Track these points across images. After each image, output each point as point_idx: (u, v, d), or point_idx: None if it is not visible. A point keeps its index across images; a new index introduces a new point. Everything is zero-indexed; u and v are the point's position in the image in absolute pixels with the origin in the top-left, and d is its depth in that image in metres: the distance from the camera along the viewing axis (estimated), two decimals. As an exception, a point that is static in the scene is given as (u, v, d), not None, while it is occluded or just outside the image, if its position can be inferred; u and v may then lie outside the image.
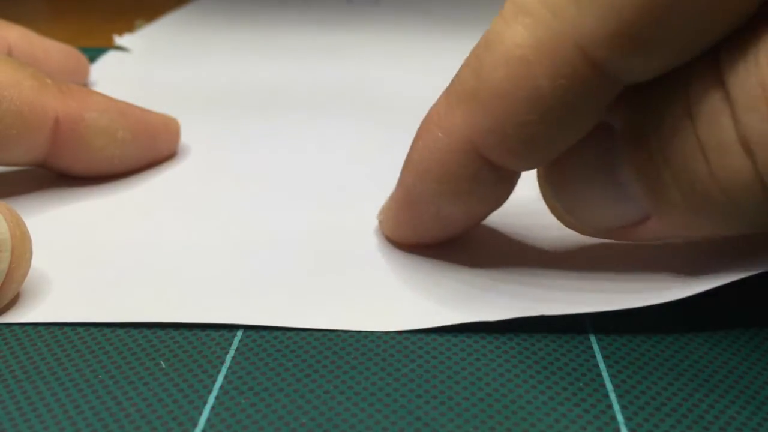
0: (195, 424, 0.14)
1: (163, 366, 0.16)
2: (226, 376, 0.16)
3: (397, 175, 0.24)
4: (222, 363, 0.16)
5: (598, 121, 0.16)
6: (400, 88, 0.33)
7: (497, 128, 0.15)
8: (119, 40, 0.40)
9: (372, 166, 0.25)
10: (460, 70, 0.16)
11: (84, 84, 0.32)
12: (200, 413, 0.15)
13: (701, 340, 0.17)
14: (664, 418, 0.15)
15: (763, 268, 0.16)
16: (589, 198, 0.17)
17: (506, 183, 0.17)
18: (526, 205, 0.21)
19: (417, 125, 0.29)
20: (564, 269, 0.19)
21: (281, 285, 0.18)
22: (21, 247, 0.17)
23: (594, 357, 0.16)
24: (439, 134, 0.16)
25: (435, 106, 0.17)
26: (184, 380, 0.16)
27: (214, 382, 0.16)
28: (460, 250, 0.20)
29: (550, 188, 0.17)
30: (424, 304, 0.18)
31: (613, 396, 0.15)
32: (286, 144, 0.27)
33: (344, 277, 0.19)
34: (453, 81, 0.16)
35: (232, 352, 0.16)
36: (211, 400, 0.15)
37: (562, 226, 0.18)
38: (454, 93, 0.16)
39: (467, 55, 0.16)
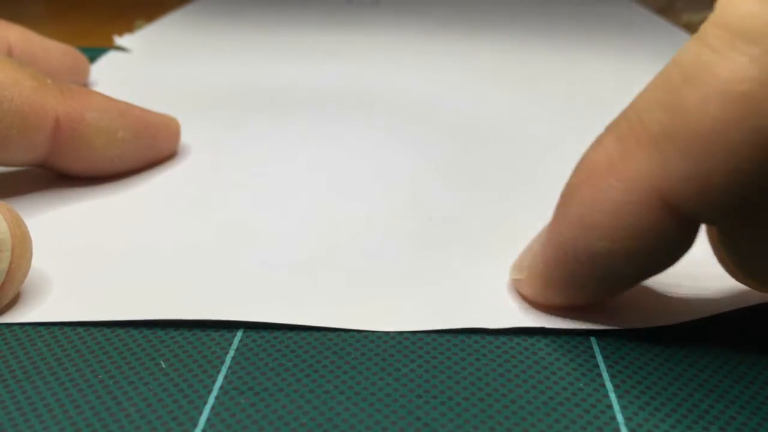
0: (195, 424, 0.14)
1: (163, 366, 0.16)
2: (226, 376, 0.16)
3: (397, 174, 0.25)
4: (222, 363, 0.16)
5: None
6: (400, 88, 0.33)
7: (700, 176, 0.13)
8: (119, 40, 0.40)
9: (372, 165, 0.25)
10: (637, 105, 0.14)
11: (84, 84, 0.32)
12: (200, 413, 0.15)
13: (701, 340, 0.17)
14: (664, 418, 0.15)
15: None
16: None
17: (690, 237, 0.15)
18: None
19: (417, 125, 0.28)
20: None
21: (281, 284, 0.18)
22: (21, 247, 0.17)
23: (594, 357, 0.16)
24: (614, 182, 0.14)
25: (600, 148, 0.15)
26: (184, 380, 0.16)
27: (214, 382, 0.16)
28: (463, 254, 0.20)
29: (728, 241, 0.15)
30: (424, 305, 0.18)
31: (613, 396, 0.15)
32: (286, 143, 0.27)
33: (344, 276, 0.19)
34: (627, 118, 0.14)
35: (232, 352, 0.16)
36: (211, 400, 0.15)
37: None
38: (631, 134, 0.14)
39: (647, 90, 0.14)
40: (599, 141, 0.15)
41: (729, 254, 0.16)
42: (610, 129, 0.15)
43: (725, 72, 0.13)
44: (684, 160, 0.13)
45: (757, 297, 0.17)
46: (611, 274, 0.15)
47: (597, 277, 0.15)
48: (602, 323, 0.17)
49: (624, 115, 0.15)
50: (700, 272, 0.18)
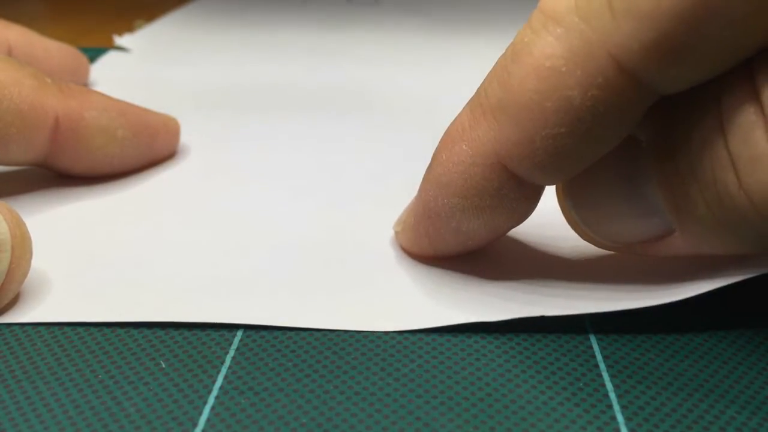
0: (195, 424, 0.14)
1: (163, 366, 0.16)
2: (226, 376, 0.16)
3: (397, 174, 0.24)
4: (222, 363, 0.16)
5: (627, 134, 0.15)
6: (400, 87, 0.33)
7: (525, 141, 0.15)
8: (119, 40, 0.40)
9: (372, 165, 0.25)
10: (484, 81, 0.16)
11: (84, 84, 0.32)
12: (200, 413, 0.15)
13: (701, 340, 0.17)
14: (664, 418, 0.15)
15: (763, 270, 0.16)
16: (612, 212, 0.17)
17: (530, 198, 0.17)
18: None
19: (417, 125, 0.29)
20: (564, 271, 0.19)
21: (281, 285, 0.18)
22: (21, 247, 0.17)
23: (594, 357, 0.16)
24: (464, 147, 0.16)
25: (458, 118, 0.17)
26: (184, 380, 0.16)
27: (214, 382, 0.16)
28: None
29: (569, 201, 0.17)
30: (424, 304, 0.18)
31: (613, 396, 0.15)
32: (286, 144, 0.27)
33: (344, 277, 0.19)
34: (477, 93, 0.16)
35: (232, 352, 0.16)
36: (211, 400, 0.15)
37: (560, 232, 0.18)
38: (479, 105, 0.16)
39: (492, 67, 0.16)
40: (459, 113, 0.17)
41: (569, 212, 0.17)
42: (468, 102, 0.17)
43: (537, 50, 0.14)
44: (514, 127, 0.15)
45: (754, 267, 0.17)
46: (465, 227, 0.17)
47: (454, 229, 0.17)
48: (600, 306, 0.17)
49: (477, 89, 0.16)
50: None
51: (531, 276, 0.19)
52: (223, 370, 0.16)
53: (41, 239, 0.20)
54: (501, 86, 0.15)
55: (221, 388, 0.15)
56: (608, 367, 0.16)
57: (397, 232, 0.20)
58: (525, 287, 0.18)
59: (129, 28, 0.44)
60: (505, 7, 0.50)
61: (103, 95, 0.23)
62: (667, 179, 0.15)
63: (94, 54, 0.37)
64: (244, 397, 0.15)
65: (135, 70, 0.36)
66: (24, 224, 0.17)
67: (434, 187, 0.17)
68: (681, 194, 0.15)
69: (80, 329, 0.17)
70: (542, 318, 0.17)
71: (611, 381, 0.16)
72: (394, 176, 0.24)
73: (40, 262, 0.19)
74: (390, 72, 0.35)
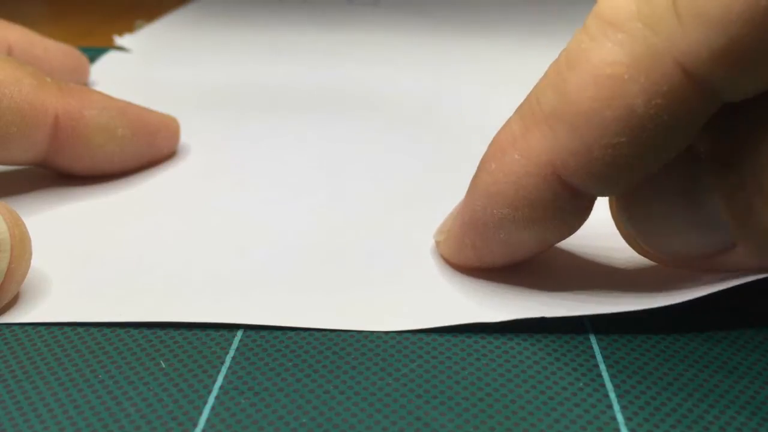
0: (195, 424, 0.14)
1: (163, 366, 0.16)
2: (226, 376, 0.16)
3: (397, 174, 0.24)
4: (222, 363, 0.16)
5: (689, 143, 0.15)
6: (400, 88, 0.33)
7: (582, 150, 0.15)
8: (119, 40, 0.40)
9: (372, 165, 0.25)
10: (536, 88, 0.16)
11: (84, 84, 0.32)
12: (200, 413, 0.15)
13: (701, 340, 0.17)
14: (664, 418, 0.15)
15: (765, 274, 0.16)
16: (670, 225, 0.16)
17: (584, 210, 0.16)
18: None
19: (417, 126, 0.29)
20: (565, 273, 0.19)
21: (281, 285, 0.18)
22: (20, 247, 0.17)
23: (594, 357, 0.16)
24: (516, 156, 0.16)
25: (507, 126, 0.16)
26: (184, 380, 0.16)
27: (214, 382, 0.16)
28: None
29: (624, 214, 0.17)
30: (424, 304, 0.18)
31: (613, 396, 0.15)
32: (286, 144, 0.27)
33: (344, 277, 0.19)
34: (528, 100, 0.16)
35: (232, 352, 0.16)
36: (211, 400, 0.15)
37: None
38: (531, 113, 0.15)
39: (545, 73, 0.16)
40: (508, 120, 0.16)
41: (625, 226, 0.17)
42: (517, 110, 0.16)
43: (596, 57, 0.14)
44: (570, 136, 0.15)
45: (747, 273, 0.17)
46: (514, 239, 0.17)
47: (502, 240, 0.17)
48: (601, 308, 0.17)
49: (527, 97, 0.16)
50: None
51: (531, 277, 0.19)
52: (223, 370, 0.16)
53: (41, 239, 0.20)
54: (556, 94, 0.15)
55: (221, 388, 0.15)
56: (608, 367, 0.16)
57: (438, 242, 0.19)
58: (525, 288, 0.18)
59: (129, 28, 0.44)
60: (505, 7, 0.50)
61: (102, 94, 0.23)
62: (729, 191, 0.15)
63: (94, 54, 0.37)
64: (244, 397, 0.15)
65: (135, 70, 0.36)
66: (23, 224, 0.17)
67: (483, 197, 0.17)
68: (744, 206, 0.15)
69: (80, 329, 0.17)
70: (542, 318, 0.17)
71: (611, 381, 0.16)
72: (395, 176, 0.24)
73: (39, 262, 0.19)
74: (390, 72, 0.35)
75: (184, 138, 0.27)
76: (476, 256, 0.18)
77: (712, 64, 0.13)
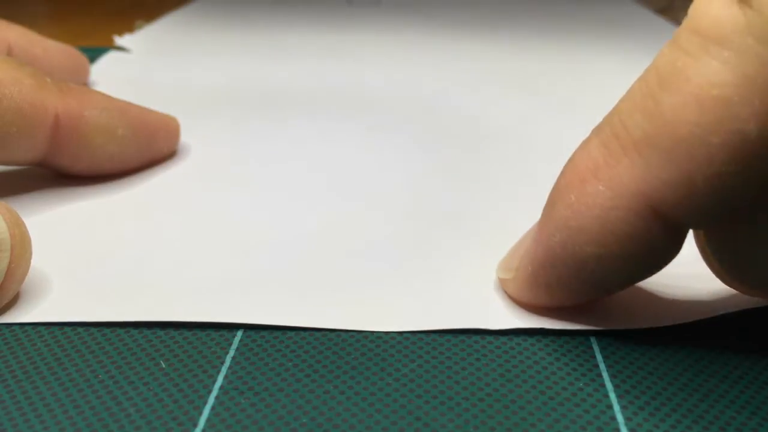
0: (195, 424, 0.14)
1: (163, 366, 0.16)
2: (226, 376, 0.16)
3: (397, 174, 0.24)
4: (222, 363, 0.16)
5: None
6: (401, 88, 0.33)
7: (682, 181, 0.13)
8: (119, 40, 0.40)
9: (372, 165, 0.25)
10: (620, 111, 0.14)
11: (84, 84, 0.32)
12: (200, 413, 0.15)
13: (701, 340, 0.17)
14: (664, 418, 0.15)
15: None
16: (763, 257, 0.15)
17: (677, 243, 0.15)
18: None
19: (417, 126, 0.28)
20: None
21: (281, 284, 0.18)
22: (20, 246, 0.17)
23: (594, 357, 0.16)
24: (600, 187, 0.14)
25: (584, 153, 0.15)
26: (184, 380, 0.16)
27: (214, 382, 0.16)
28: (464, 255, 0.20)
29: (714, 246, 0.15)
30: (424, 305, 0.18)
31: (613, 396, 0.15)
32: (286, 143, 0.27)
33: (344, 277, 0.19)
34: (610, 124, 0.14)
35: (232, 352, 0.16)
36: (211, 400, 0.15)
37: None
38: (615, 139, 0.14)
39: (628, 94, 0.14)
40: (585, 145, 0.15)
41: (716, 258, 0.16)
42: (595, 133, 0.15)
43: (699, 77, 0.13)
44: (667, 165, 0.13)
45: (757, 299, 0.17)
46: (598, 277, 0.15)
47: (584, 279, 0.15)
48: (602, 324, 0.17)
49: (608, 120, 0.15)
50: (700, 272, 0.18)
51: None
52: (223, 370, 0.16)
53: (41, 239, 0.20)
54: (647, 117, 0.13)
55: (221, 388, 0.15)
56: (608, 367, 0.16)
57: (504, 280, 0.18)
58: None
59: (129, 28, 0.44)
60: (506, 7, 0.50)
61: (102, 94, 0.23)
62: None
63: (94, 54, 0.37)
64: (244, 397, 0.15)
65: (135, 70, 0.36)
66: (23, 224, 0.17)
67: (561, 233, 0.15)
68: None
69: (80, 329, 0.17)
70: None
71: (611, 381, 0.16)
72: (395, 176, 0.24)
73: (40, 261, 0.19)
74: (390, 72, 0.35)
75: (184, 138, 0.27)
76: (550, 296, 0.16)
77: None
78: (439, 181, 0.24)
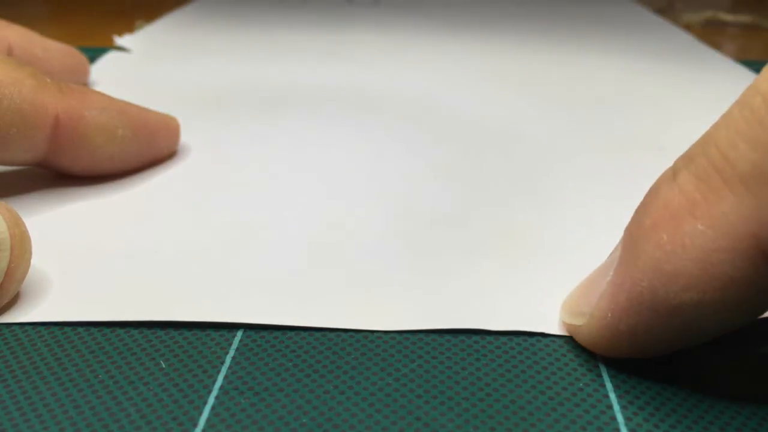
0: (195, 424, 0.14)
1: (163, 366, 0.16)
2: (226, 376, 0.16)
3: (397, 174, 0.24)
4: (222, 363, 0.16)
5: None
6: (400, 88, 0.33)
7: None
8: (119, 40, 0.40)
9: (372, 165, 0.25)
10: (717, 140, 0.13)
11: (84, 84, 0.32)
12: (200, 413, 0.15)
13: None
14: (664, 418, 0.15)
15: None
16: None
17: None
18: None
19: (417, 125, 0.28)
20: (571, 285, 0.19)
21: (281, 284, 0.18)
22: (20, 246, 0.17)
23: (594, 357, 0.16)
24: (699, 227, 0.13)
25: (674, 186, 0.13)
26: (184, 380, 0.16)
27: (214, 382, 0.16)
28: (463, 254, 0.20)
29: None
30: (424, 305, 0.18)
31: (613, 396, 0.15)
32: (286, 144, 0.27)
33: (344, 277, 0.19)
34: (707, 155, 0.13)
35: (232, 352, 0.16)
36: (211, 400, 0.15)
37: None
38: (715, 173, 0.13)
39: (726, 121, 0.13)
40: (672, 178, 0.14)
41: None
42: (685, 166, 0.13)
43: None
44: None
45: None
46: (694, 326, 0.14)
47: (676, 328, 0.14)
48: None
49: (701, 151, 0.13)
50: None
51: (535, 284, 0.19)
52: (223, 370, 0.16)
53: (41, 239, 0.20)
54: (757, 148, 0.12)
55: (221, 388, 0.15)
56: (608, 367, 0.16)
57: (573, 326, 0.16)
58: (529, 299, 0.18)
59: (129, 28, 0.44)
60: (505, 7, 0.50)
61: (103, 94, 0.23)
62: None
63: (94, 54, 0.37)
64: (244, 397, 0.15)
65: (135, 70, 0.36)
66: (23, 223, 0.17)
67: (650, 276, 0.14)
68: None
69: (80, 329, 0.17)
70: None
71: (611, 381, 0.16)
72: (395, 176, 0.24)
73: (40, 261, 0.19)
74: (390, 72, 0.35)
75: (184, 138, 0.27)
76: (631, 347, 0.15)
77: None
78: (438, 180, 0.24)
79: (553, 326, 0.17)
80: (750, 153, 0.12)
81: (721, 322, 0.14)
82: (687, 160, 0.14)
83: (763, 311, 0.14)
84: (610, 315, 0.15)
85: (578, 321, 0.16)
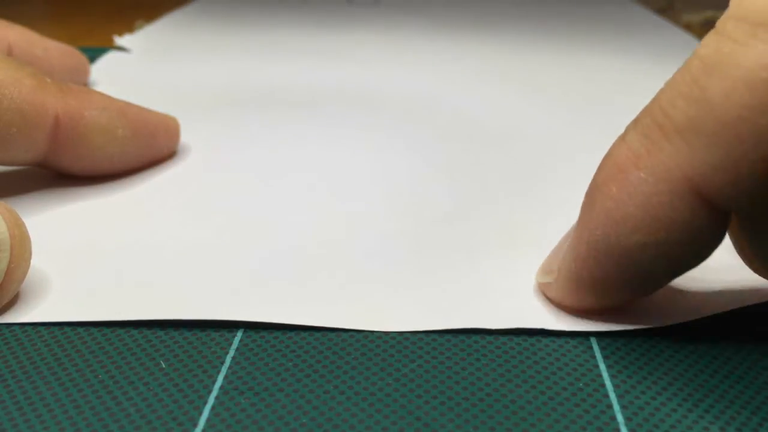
0: (195, 424, 0.14)
1: (163, 366, 0.16)
2: (226, 376, 0.16)
3: (397, 174, 0.24)
4: (222, 363, 0.16)
5: None
6: (400, 88, 0.33)
7: (729, 164, 0.13)
8: (119, 40, 0.40)
9: (372, 165, 0.25)
10: (660, 101, 0.14)
11: (84, 84, 0.32)
12: (200, 413, 0.15)
13: (701, 340, 0.17)
14: (664, 418, 0.15)
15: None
16: None
17: (722, 227, 0.15)
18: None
19: (417, 125, 0.28)
20: None
21: (282, 283, 0.18)
22: (20, 247, 0.17)
23: (594, 357, 0.16)
24: (641, 175, 0.14)
25: (622, 144, 0.15)
26: (184, 380, 0.16)
27: (214, 382, 0.16)
28: (464, 254, 0.20)
29: (749, 233, 0.15)
30: (425, 305, 0.18)
31: (613, 396, 0.15)
32: (286, 144, 0.27)
33: (344, 277, 0.19)
34: (650, 113, 0.15)
35: (232, 352, 0.16)
36: (211, 400, 0.15)
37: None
38: (656, 128, 0.14)
39: (669, 84, 0.14)
40: (622, 138, 0.15)
41: (751, 245, 0.16)
42: (633, 126, 0.15)
43: (749, 60, 0.13)
44: (713, 149, 0.13)
45: (756, 296, 0.17)
46: (645, 269, 0.15)
47: (631, 273, 0.15)
48: (603, 325, 0.17)
49: (646, 112, 0.15)
50: (698, 272, 0.18)
51: (535, 283, 0.19)
52: (223, 370, 0.16)
53: (41, 239, 0.20)
54: (692, 104, 0.14)
55: (221, 388, 0.15)
56: (608, 367, 0.16)
57: (545, 284, 0.18)
58: (528, 296, 0.18)
59: (129, 28, 0.44)
60: (505, 7, 0.50)
61: (103, 95, 0.23)
62: None
63: (94, 54, 0.37)
64: (244, 397, 0.15)
65: (135, 70, 0.36)
66: (23, 224, 0.17)
67: (603, 225, 0.15)
68: None
69: (80, 329, 0.17)
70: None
71: (611, 381, 0.16)
72: (395, 175, 0.24)
73: (40, 262, 0.19)
74: (390, 72, 0.35)
75: (184, 138, 0.27)
76: (595, 295, 0.16)
77: None
78: (439, 180, 0.24)
79: (555, 323, 0.17)
80: (686, 108, 0.14)
81: (668, 264, 0.15)
82: (635, 122, 0.15)
83: (707, 255, 0.15)
84: (573, 265, 0.16)
85: (548, 278, 0.17)
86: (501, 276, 0.19)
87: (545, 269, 0.18)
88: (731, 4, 0.14)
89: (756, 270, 0.16)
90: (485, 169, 0.25)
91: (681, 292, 0.18)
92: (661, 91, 0.15)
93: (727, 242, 0.17)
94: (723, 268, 0.18)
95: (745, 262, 0.16)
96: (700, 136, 0.14)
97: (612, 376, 0.16)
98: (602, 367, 0.16)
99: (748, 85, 0.13)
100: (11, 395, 0.15)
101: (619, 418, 0.15)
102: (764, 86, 0.13)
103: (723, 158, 0.13)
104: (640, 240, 0.15)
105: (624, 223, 0.15)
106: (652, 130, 0.14)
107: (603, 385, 0.15)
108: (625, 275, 0.15)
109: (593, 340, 0.17)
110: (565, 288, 0.17)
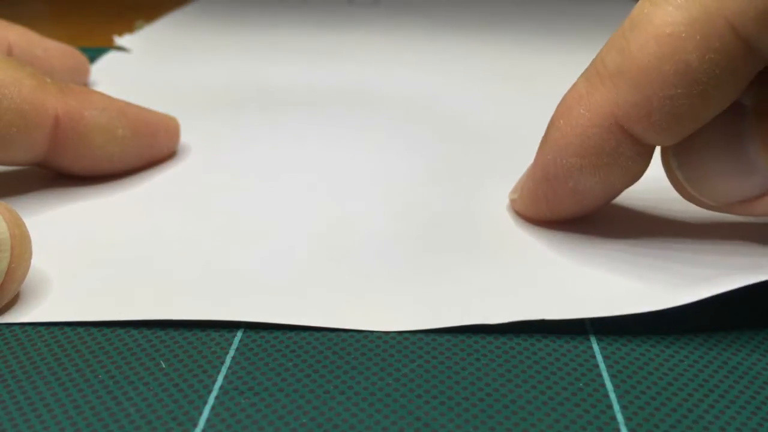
0: (195, 424, 0.14)
1: (163, 366, 0.16)
2: (226, 376, 0.16)
3: (397, 173, 0.25)
4: (222, 363, 0.16)
5: (738, 96, 0.17)
6: (400, 88, 0.33)
7: (643, 102, 0.16)
8: (119, 40, 0.40)
9: (372, 164, 0.25)
10: (601, 53, 0.18)
11: (84, 84, 0.32)
12: (200, 413, 0.15)
13: (701, 340, 0.17)
14: (664, 418, 0.15)
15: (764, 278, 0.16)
16: (716, 171, 0.18)
17: (644, 157, 0.18)
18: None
19: (416, 125, 0.29)
20: (566, 273, 0.19)
21: (282, 283, 0.18)
22: (20, 246, 0.17)
23: (594, 357, 0.16)
24: (581, 111, 0.18)
25: (573, 89, 0.18)
26: (184, 380, 0.16)
27: (214, 382, 0.16)
28: (463, 253, 0.20)
29: (675, 161, 0.18)
30: (424, 305, 0.18)
31: (613, 396, 0.15)
32: (286, 144, 0.27)
33: (345, 276, 0.19)
34: (594, 64, 0.18)
35: (232, 352, 0.16)
36: (211, 400, 0.15)
37: (564, 236, 0.19)
38: (596, 74, 0.17)
39: (609, 39, 0.17)
40: (574, 84, 0.18)
41: (675, 172, 0.18)
42: (582, 74, 0.18)
43: (658, 19, 0.16)
44: (632, 90, 0.17)
45: (747, 276, 0.17)
46: (582, 186, 0.19)
47: (572, 189, 0.19)
48: (599, 312, 0.17)
49: (593, 62, 0.18)
50: (693, 253, 0.19)
51: (533, 277, 0.19)
52: (223, 370, 0.16)
53: (41, 239, 0.20)
54: (619, 54, 0.17)
55: (221, 388, 0.15)
56: (608, 367, 0.16)
57: (513, 200, 0.21)
58: (526, 289, 0.18)
59: (129, 28, 0.44)
60: (505, 7, 0.50)
61: (103, 95, 0.23)
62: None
63: (94, 54, 0.37)
64: (244, 397, 0.15)
65: (135, 70, 0.36)
66: (23, 224, 0.17)
67: (552, 151, 0.18)
68: None
69: (80, 329, 0.17)
70: (543, 320, 0.17)
71: (611, 381, 0.16)
72: (395, 175, 0.24)
73: (40, 262, 0.19)
74: (390, 72, 0.35)
75: (184, 137, 0.27)
76: (548, 208, 0.20)
77: (757, 24, 0.15)
78: (438, 180, 0.24)
79: (553, 312, 0.17)
80: (616, 57, 0.17)
81: (600, 183, 0.18)
82: (585, 70, 0.18)
83: (631, 180, 0.18)
84: (531, 184, 0.20)
85: (515, 196, 0.21)
86: (501, 275, 0.19)
87: (514, 188, 0.21)
88: None
89: (689, 198, 0.19)
90: (485, 168, 0.25)
91: (679, 275, 0.18)
92: (605, 44, 0.18)
93: (720, 220, 0.20)
94: (717, 250, 0.19)
95: (678, 191, 0.19)
96: (624, 80, 0.17)
97: (612, 376, 0.16)
98: (602, 367, 0.16)
99: (656, 38, 0.16)
100: (11, 395, 0.15)
101: (619, 418, 0.15)
102: (667, 39, 0.16)
103: (639, 98, 0.17)
104: (577, 162, 0.18)
105: (566, 149, 0.18)
106: (592, 76, 0.18)
107: (603, 385, 0.15)
108: (568, 192, 0.19)
109: (593, 340, 0.17)
110: (526, 202, 0.21)
